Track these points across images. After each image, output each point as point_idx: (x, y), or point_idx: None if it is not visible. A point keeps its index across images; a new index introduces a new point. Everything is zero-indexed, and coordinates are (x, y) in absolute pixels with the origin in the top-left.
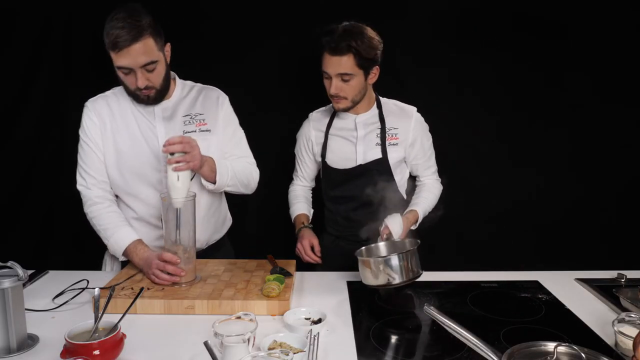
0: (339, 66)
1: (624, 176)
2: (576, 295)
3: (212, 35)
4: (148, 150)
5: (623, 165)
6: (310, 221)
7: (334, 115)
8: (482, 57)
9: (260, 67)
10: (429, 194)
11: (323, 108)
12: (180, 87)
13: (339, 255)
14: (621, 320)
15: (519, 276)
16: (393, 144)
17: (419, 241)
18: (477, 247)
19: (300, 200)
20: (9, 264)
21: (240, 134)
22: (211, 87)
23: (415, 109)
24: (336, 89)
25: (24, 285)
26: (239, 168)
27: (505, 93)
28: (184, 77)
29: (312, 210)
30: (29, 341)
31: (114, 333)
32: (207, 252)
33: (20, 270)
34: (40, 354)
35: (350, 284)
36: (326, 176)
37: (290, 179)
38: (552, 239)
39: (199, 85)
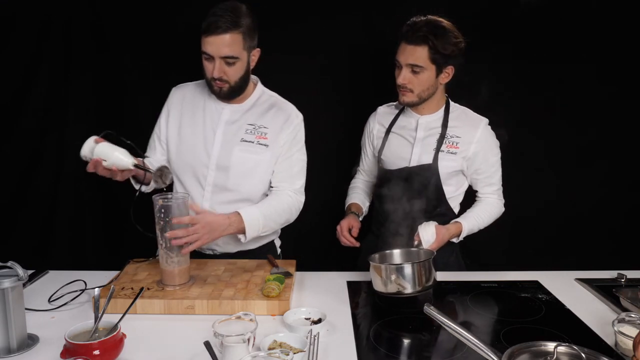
0: (410, 56)
1: (625, 177)
2: (576, 295)
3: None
4: (202, 146)
5: (624, 166)
6: (363, 212)
7: (400, 112)
8: (484, 58)
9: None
10: (483, 211)
11: (393, 103)
12: (257, 95)
13: None
14: (621, 320)
15: (519, 276)
16: (451, 153)
17: (434, 252)
18: (477, 247)
19: (356, 191)
20: (9, 264)
21: (298, 159)
22: (288, 103)
23: (485, 120)
24: (404, 80)
25: (24, 285)
26: (276, 210)
27: (508, 94)
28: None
29: (367, 203)
30: (29, 341)
31: (114, 333)
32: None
33: (20, 270)
34: (40, 354)
35: (350, 284)
36: (378, 172)
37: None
38: (553, 239)
39: (277, 98)
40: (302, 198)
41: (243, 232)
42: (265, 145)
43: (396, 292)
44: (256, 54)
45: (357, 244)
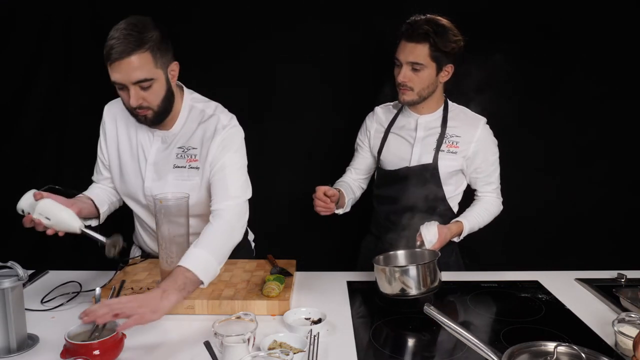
0: (411, 53)
1: (625, 177)
2: (576, 295)
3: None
4: (137, 169)
5: (624, 166)
6: (345, 203)
7: (398, 113)
8: (483, 58)
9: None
10: (482, 210)
11: (390, 103)
12: (186, 113)
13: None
14: (621, 320)
15: (519, 276)
16: (451, 152)
17: (439, 253)
18: (477, 247)
19: (341, 184)
20: (9, 264)
21: (231, 161)
22: (215, 114)
23: (484, 119)
24: (404, 77)
25: (24, 285)
26: (224, 243)
27: (508, 94)
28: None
29: (351, 197)
30: (29, 341)
31: (114, 333)
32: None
33: (20, 270)
34: (40, 354)
35: (350, 284)
36: (377, 173)
37: (289, 181)
38: (553, 239)
39: (205, 109)
40: (240, 200)
41: (197, 281)
42: (196, 168)
43: (401, 293)
44: (175, 67)
45: (332, 207)
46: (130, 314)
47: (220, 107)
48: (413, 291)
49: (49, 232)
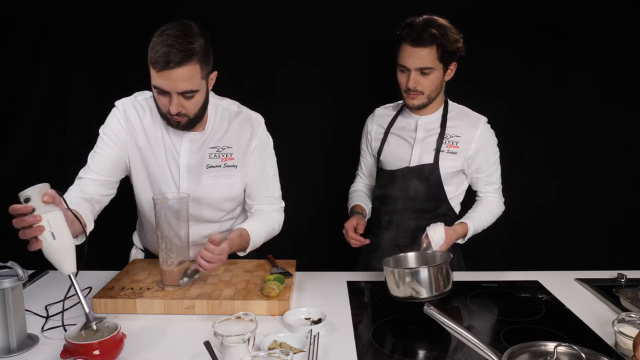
0: (419, 58)
1: (625, 177)
2: (576, 295)
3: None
4: (170, 180)
5: (624, 166)
6: (366, 214)
7: (398, 113)
8: (484, 58)
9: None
10: (485, 211)
11: (390, 105)
12: (213, 115)
13: (381, 258)
14: (621, 320)
15: (519, 276)
16: (451, 152)
17: (451, 255)
18: (477, 247)
19: (357, 194)
20: (9, 264)
21: (271, 169)
22: (243, 112)
23: (484, 119)
24: (414, 83)
25: (24, 285)
26: (267, 229)
27: (508, 93)
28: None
29: (369, 205)
30: (29, 341)
31: (114, 333)
32: None
33: (20, 270)
34: (40, 354)
35: (350, 284)
36: (377, 174)
37: (291, 181)
38: (552, 239)
39: (231, 107)
40: (282, 204)
41: (244, 249)
42: (233, 166)
43: (411, 297)
44: (214, 77)
45: (367, 241)
46: (212, 265)
47: (237, 102)
48: (424, 294)
49: (33, 246)
